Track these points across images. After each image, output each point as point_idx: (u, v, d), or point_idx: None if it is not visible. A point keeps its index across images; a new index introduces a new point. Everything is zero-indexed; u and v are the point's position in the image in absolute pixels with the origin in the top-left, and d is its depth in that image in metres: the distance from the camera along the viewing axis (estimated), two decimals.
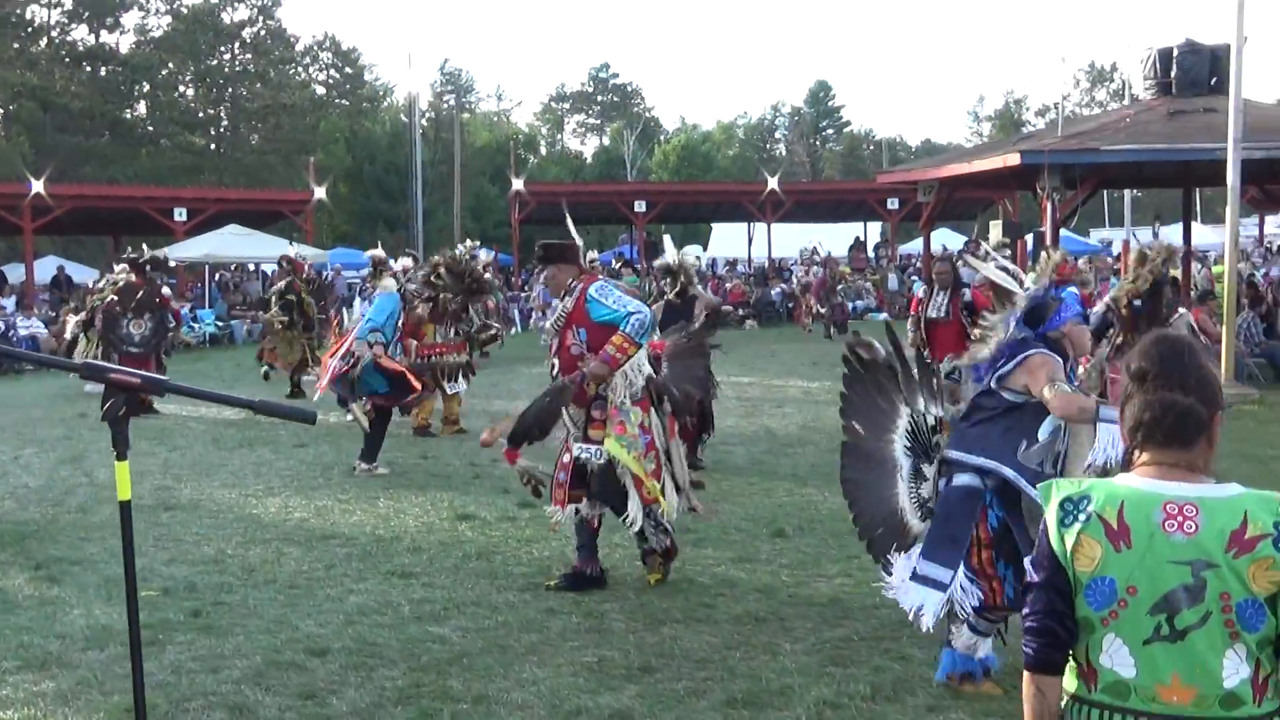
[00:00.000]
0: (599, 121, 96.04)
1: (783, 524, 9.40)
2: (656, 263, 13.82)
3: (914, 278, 33.38)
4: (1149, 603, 2.75)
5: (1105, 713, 2.81)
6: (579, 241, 7.98)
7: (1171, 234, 38.41)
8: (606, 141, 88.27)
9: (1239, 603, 2.71)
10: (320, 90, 75.71)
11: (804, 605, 7.28)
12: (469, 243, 15.34)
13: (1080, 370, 8.18)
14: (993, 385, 5.79)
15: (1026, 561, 2.99)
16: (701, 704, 5.75)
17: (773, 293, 36.84)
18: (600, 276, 8.27)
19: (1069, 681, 2.89)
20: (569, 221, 8.50)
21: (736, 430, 14.25)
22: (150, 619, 7.06)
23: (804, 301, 32.19)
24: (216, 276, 39.03)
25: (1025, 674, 2.90)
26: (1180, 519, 2.75)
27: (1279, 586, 2.71)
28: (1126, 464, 2.98)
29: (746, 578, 7.91)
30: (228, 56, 70.30)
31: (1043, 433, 5.68)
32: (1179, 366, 2.90)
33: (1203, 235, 34.42)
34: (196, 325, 32.13)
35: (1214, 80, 19.59)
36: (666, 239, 14.65)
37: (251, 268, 39.38)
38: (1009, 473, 5.67)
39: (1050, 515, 2.86)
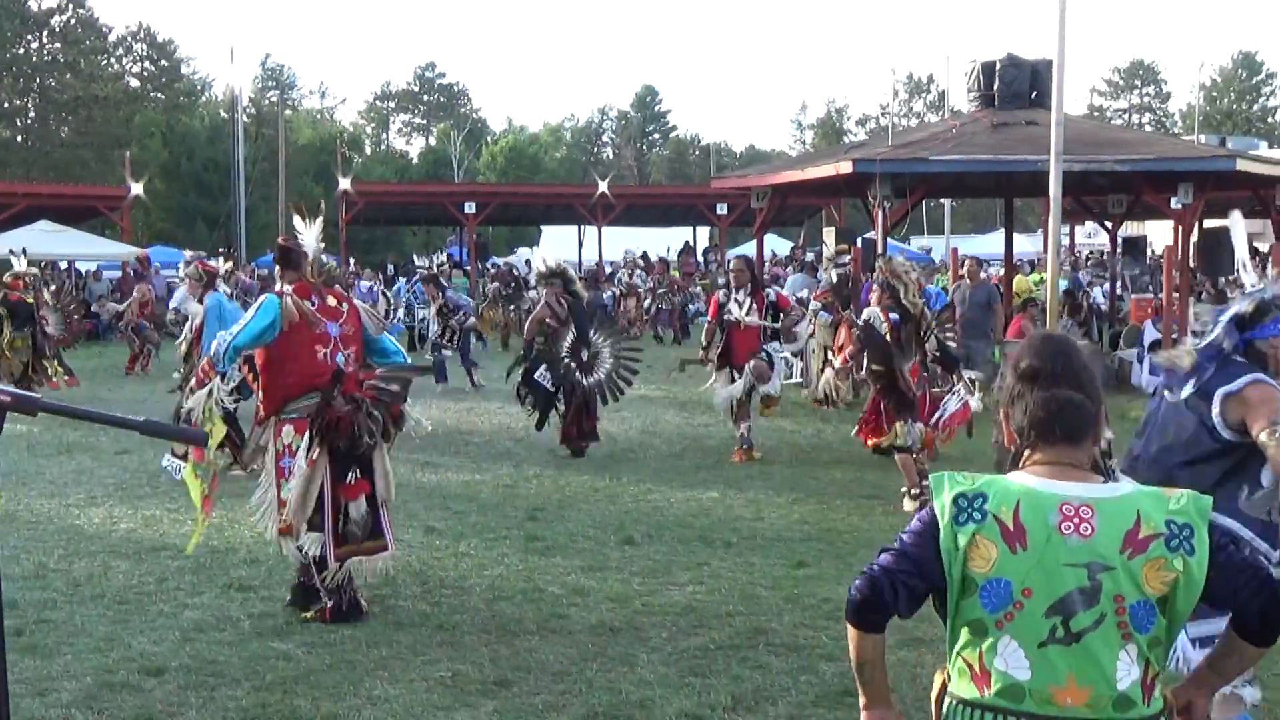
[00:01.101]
0: (425, 121, 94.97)
1: (630, 530, 9.32)
2: (541, 268, 13.46)
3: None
4: (1045, 605, 2.73)
5: (999, 716, 2.78)
6: (306, 248, 7.31)
7: (991, 242, 39.66)
8: (433, 142, 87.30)
9: (1132, 605, 2.72)
10: (134, 83, 73.19)
11: (658, 614, 7.21)
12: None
13: None
14: (1214, 421, 4.71)
15: (903, 531, 2.93)
16: (562, 718, 5.63)
17: (604, 296, 36.84)
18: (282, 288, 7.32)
19: (961, 688, 2.85)
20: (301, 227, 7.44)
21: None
22: None
23: (627, 305, 31.99)
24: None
25: (847, 622, 2.92)
26: (1076, 520, 2.74)
27: (1169, 587, 2.72)
28: (1014, 464, 2.95)
29: (598, 586, 7.80)
30: (35, 45, 67.47)
31: (1265, 478, 4.72)
32: (1069, 364, 2.90)
33: (1018, 244, 35.55)
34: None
35: (1034, 94, 20.20)
36: (537, 250, 15.12)
37: (64, 265, 37.71)
38: (1243, 531, 4.70)
39: (942, 509, 2.80)
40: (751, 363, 12.38)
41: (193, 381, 7.79)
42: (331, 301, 7.29)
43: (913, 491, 10.17)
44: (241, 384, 8.95)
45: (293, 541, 7.07)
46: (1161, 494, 2.81)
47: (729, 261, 13.49)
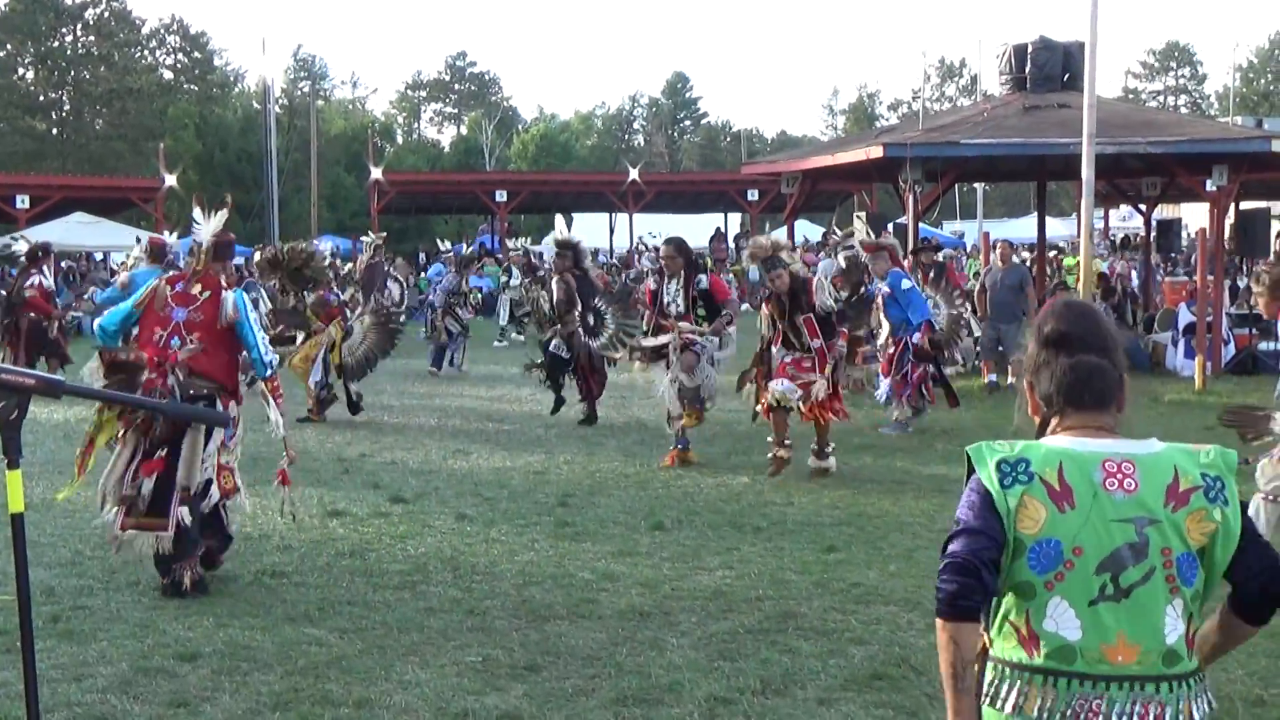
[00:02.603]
0: (456, 110, 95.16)
1: (661, 516, 9.34)
2: (558, 236, 14.97)
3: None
4: (1094, 563, 2.72)
5: (1050, 678, 2.76)
6: (198, 239, 7.85)
7: (1024, 227, 39.46)
8: (464, 130, 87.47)
9: (1179, 557, 2.73)
10: (168, 75, 73.63)
11: (688, 599, 7.22)
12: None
13: None
14: None
15: (956, 516, 2.89)
16: (591, 703, 5.65)
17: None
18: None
19: (1007, 651, 2.82)
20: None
21: (607, 422, 14.17)
22: (5, 625, 6.72)
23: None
24: (63, 266, 37.63)
25: (938, 623, 2.76)
26: (1120, 476, 2.74)
27: (1208, 538, 2.74)
28: (1040, 433, 2.95)
29: (628, 571, 7.82)
30: (69, 39, 67.96)
31: None
32: (1095, 330, 2.90)
33: (1051, 227, 35.38)
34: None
35: (1066, 76, 20.10)
36: (559, 219, 15.51)
37: (100, 257, 38.05)
38: None
39: (988, 477, 2.78)
40: (681, 354, 11.35)
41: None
42: (195, 289, 7.62)
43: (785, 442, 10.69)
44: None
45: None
46: (1188, 449, 2.83)
47: (659, 248, 11.98)
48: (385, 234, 18.99)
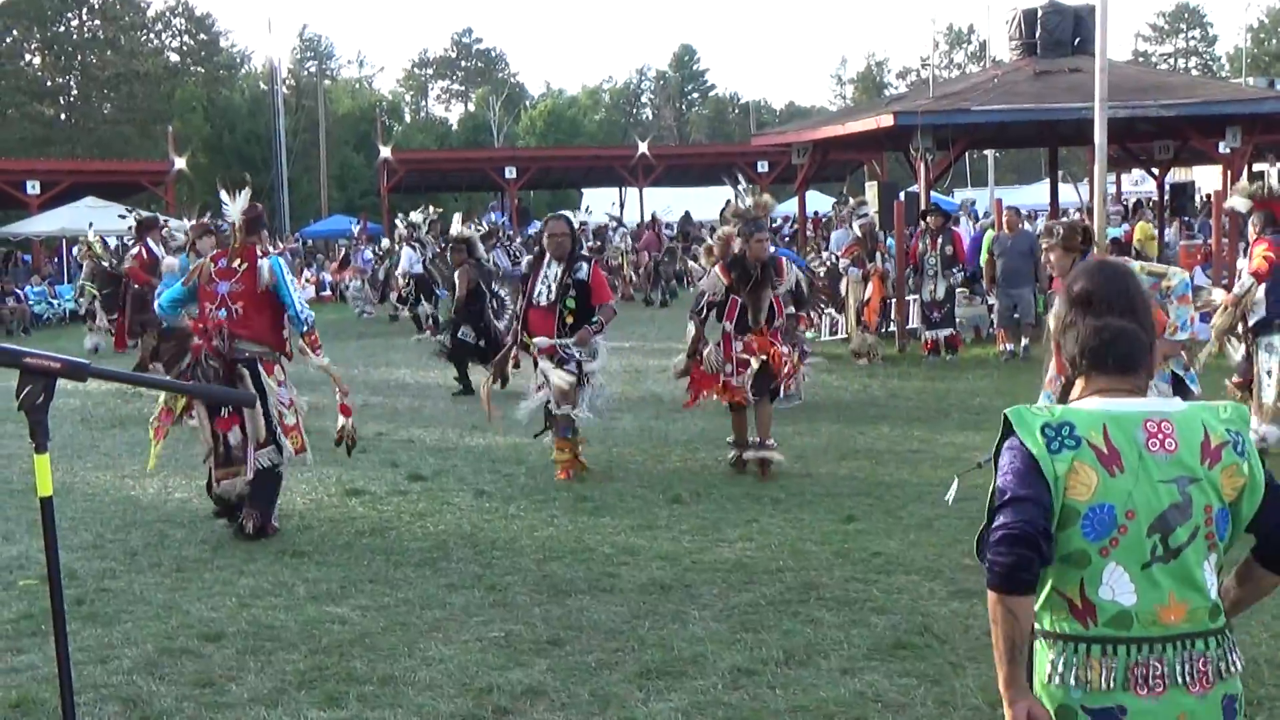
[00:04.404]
0: (463, 88, 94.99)
1: (679, 490, 9.34)
2: (454, 233, 16.09)
3: (785, 237, 33.47)
4: (1146, 525, 2.71)
5: (1108, 647, 2.73)
6: (229, 218, 8.75)
7: (1035, 193, 39.27)
8: (472, 108, 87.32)
9: (1217, 513, 2.73)
10: (174, 58, 73.51)
11: (708, 571, 7.23)
12: None
13: None
14: None
15: (998, 484, 2.83)
16: (614, 676, 5.66)
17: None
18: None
19: (1058, 624, 2.78)
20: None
21: (623, 397, 14.15)
22: (31, 609, 6.76)
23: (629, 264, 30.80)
24: (74, 250, 37.68)
25: (992, 596, 2.72)
26: (1160, 436, 2.73)
27: (1238, 492, 2.75)
28: (1064, 394, 2.92)
29: (648, 545, 7.83)
30: (75, 23, 67.85)
31: None
32: (1124, 292, 2.88)
33: (1062, 193, 35.18)
34: (55, 301, 31.10)
35: (1077, 40, 19.96)
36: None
37: (112, 241, 38.04)
38: None
39: (1034, 442, 2.73)
40: (553, 376, 9.61)
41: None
42: (235, 263, 8.43)
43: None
44: None
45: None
46: (1209, 405, 2.83)
47: (546, 224, 10.31)
48: (440, 209, 19.92)
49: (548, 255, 9.82)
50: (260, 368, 8.30)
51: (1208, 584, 2.75)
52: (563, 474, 9.77)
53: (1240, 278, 10.18)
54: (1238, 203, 10.65)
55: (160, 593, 7.10)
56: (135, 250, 16.26)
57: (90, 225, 23.30)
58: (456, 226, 16.07)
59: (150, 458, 8.73)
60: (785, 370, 9.89)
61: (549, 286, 9.63)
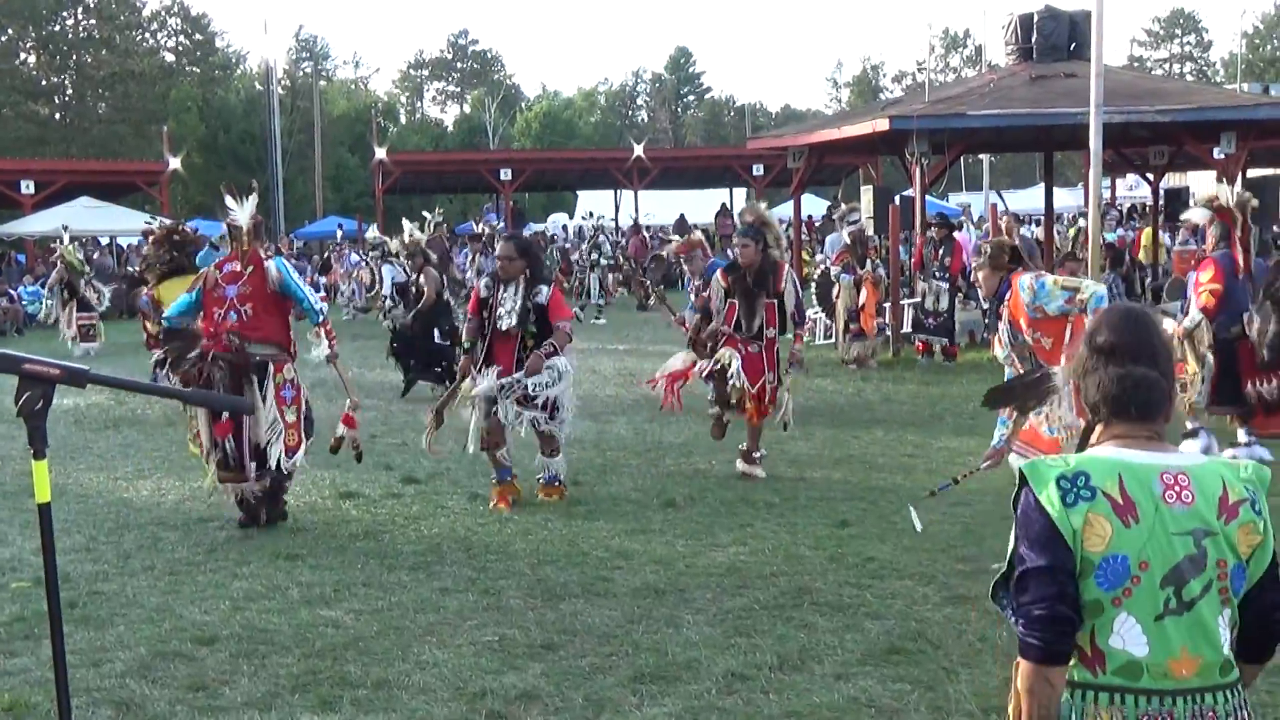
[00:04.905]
0: (459, 89, 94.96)
1: (673, 494, 9.35)
2: (409, 240, 16.02)
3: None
4: (1160, 576, 2.69)
5: (1116, 696, 2.73)
6: (239, 223, 8.76)
7: (1031, 197, 39.32)
8: (467, 109, 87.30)
9: (1232, 568, 2.72)
10: (169, 57, 73.39)
11: (702, 575, 7.23)
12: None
13: None
14: None
15: (1018, 550, 2.82)
16: (609, 680, 5.65)
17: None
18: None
19: (1070, 671, 2.77)
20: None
21: (617, 400, 14.18)
22: (24, 611, 6.75)
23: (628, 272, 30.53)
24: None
25: (1026, 666, 2.73)
26: (1178, 489, 2.72)
27: (1253, 550, 2.74)
28: (1084, 439, 2.93)
29: (642, 549, 7.83)
30: (70, 22, 67.75)
31: None
32: (1146, 340, 2.87)
33: (1057, 198, 35.23)
34: (49, 302, 30.99)
35: (1073, 45, 19.94)
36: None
37: (105, 241, 38.03)
38: None
39: (1049, 498, 2.72)
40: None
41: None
42: (238, 267, 8.67)
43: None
44: None
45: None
46: (1228, 463, 2.83)
47: (501, 245, 9.56)
48: (443, 214, 20.04)
49: (501, 279, 9.17)
50: (271, 368, 8.57)
51: (1222, 639, 2.74)
52: (500, 502, 9.09)
53: (1189, 309, 10.13)
54: (1196, 214, 10.62)
55: (153, 596, 7.09)
56: None
57: (65, 229, 23.50)
58: (408, 233, 16.10)
59: (206, 475, 8.87)
60: (762, 400, 9.97)
61: (510, 312, 9.02)
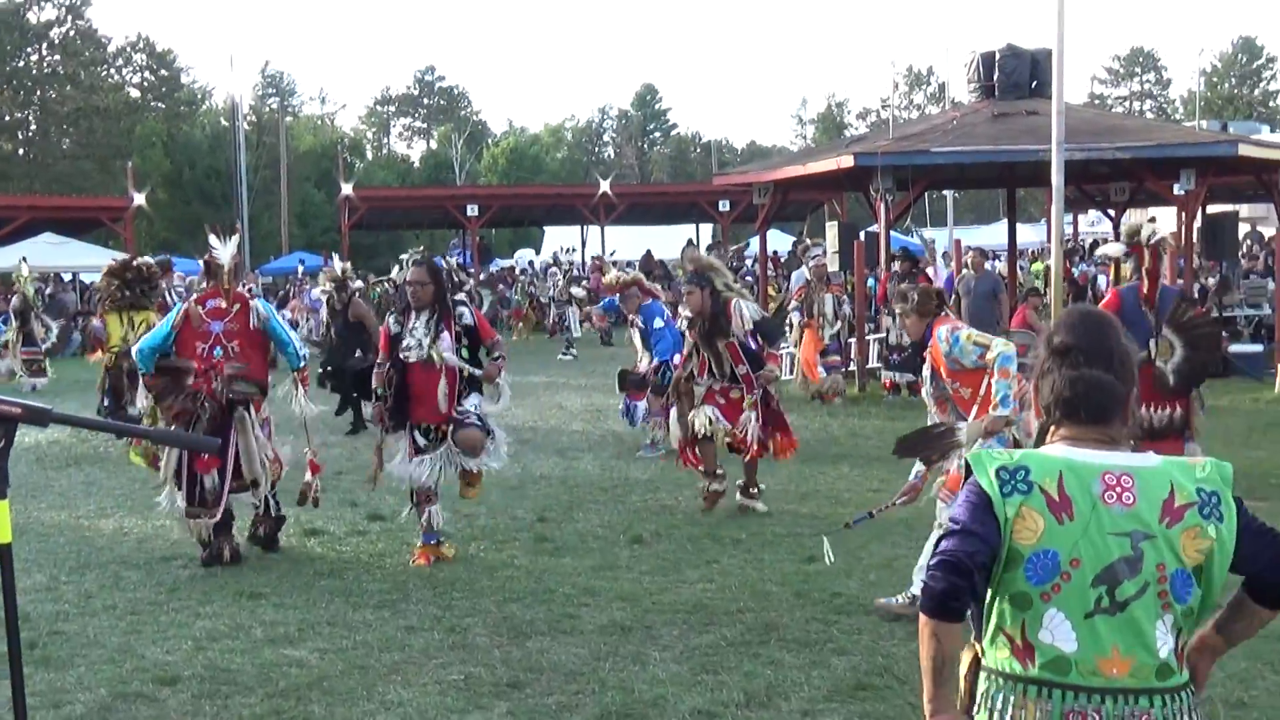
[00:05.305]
0: (425, 125, 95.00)
1: (639, 530, 9.33)
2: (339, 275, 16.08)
3: (748, 277, 33.59)
4: (1091, 575, 2.73)
5: (1044, 689, 2.76)
6: (221, 260, 8.90)
7: (994, 233, 39.61)
8: (434, 145, 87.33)
9: (1173, 574, 2.73)
10: (135, 93, 73.18)
11: (669, 612, 7.21)
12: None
13: None
14: None
15: (945, 517, 2.91)
16: (575, 718, 5.64)
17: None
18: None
19: (1000, 662, 2.83)
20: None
21: (584, 436, 14.16)
22: None
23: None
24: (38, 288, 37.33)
25: (922, 618, 2.81)
26: (1119, 489, 2.75)
27: (1205, 555, 2.74)
28: (1040, 439, 2.95)
29: (608, 586, 7.81)
30: (35, 58, 67.50)
31: None
32: (1102, 343, 2.90)
33: (1020, 233, 35.50)
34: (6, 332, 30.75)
35: (1034, 83, 20.17)
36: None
37: (68, 277, 37.77)
38: None
39: (988, 482, 2.78)
40: (454, 429, 8.50)
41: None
42: (223, 304, 8.76)
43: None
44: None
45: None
46: (1185, 463, 2.84)
47: (407, 273, 8.80)
48: (424, 248, 19.90)
49: (413, 308, 8.50)
50: (252, 405, 8.69)
51: (1158, 642, 2.75)
52: (421, 559, 8.49)
53: None
54: (1111, 248, 10.81)
55: (115, 636, 7.01)
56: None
57: (24, 260, 23.65)
58: (335, 268, 16.26)
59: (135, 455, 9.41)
60: (746, 435, 9.89)
61: (420, 342, 8.36)
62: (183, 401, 8.57)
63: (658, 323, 12.67)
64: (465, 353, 8.50)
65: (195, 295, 9.14)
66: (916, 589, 6.85)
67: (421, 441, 8.51)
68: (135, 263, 14.73)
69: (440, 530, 8.72)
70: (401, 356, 8.40)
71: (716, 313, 9.89)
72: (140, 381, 8.93)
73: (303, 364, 9.00)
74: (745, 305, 10.08)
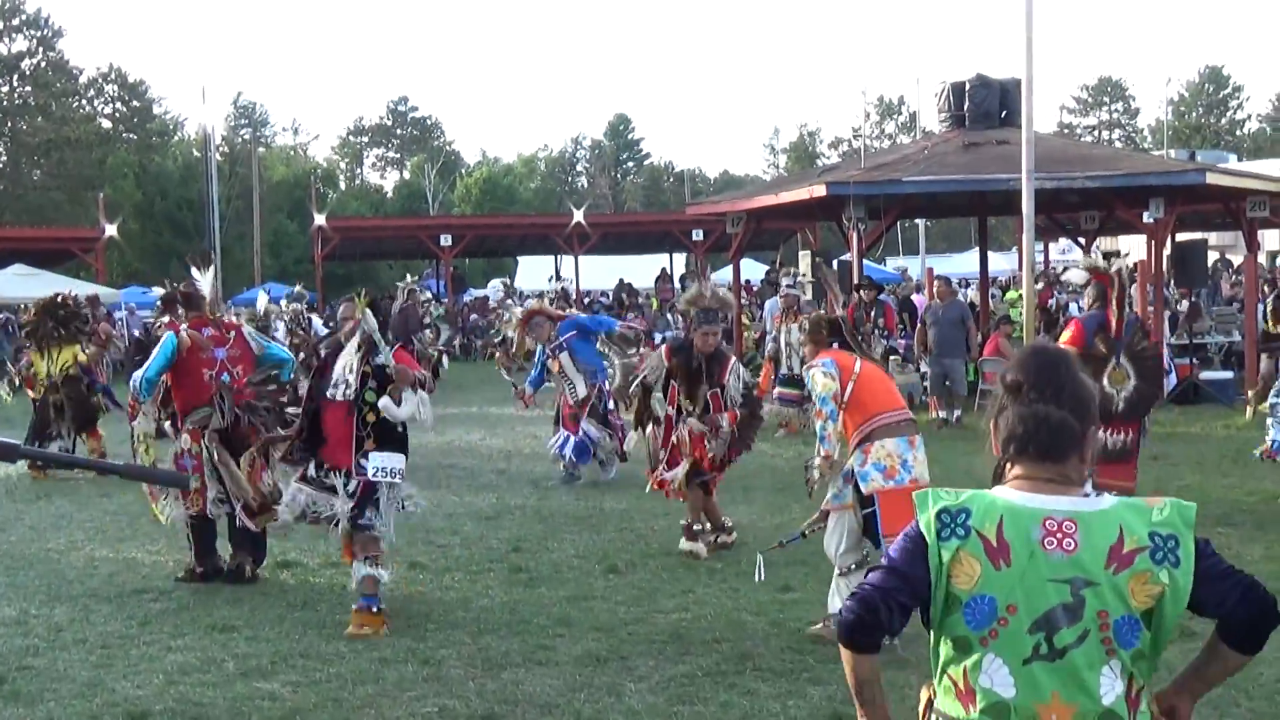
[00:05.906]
0: (399, 155, 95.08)
1: (614, 560, 9.31)
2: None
3: None
4: (1028, 621, 2.71)
5: None
6: (203, 290, 9.24)
7: (966, 261, 39.82)
8: (407, 175, 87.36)
9: (1117, 620, 2.69)
10: (106, 124, 73.00)
11: (644, 642, 7.19)
12: None
13: None
14: None
15: (889, 548, 2.92)
16: None
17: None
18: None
19: (947, 705, 2.83)
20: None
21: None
22: None
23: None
24: (1, 318, 37.08)
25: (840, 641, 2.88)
26: (1059, 535, 2.71)
27: (1155, 600, 2.69)
28: (997, 477, 2.94)
29: (583, 616, 7.79)
30: (6, 89, 67.28)
31: None
32: (1053, 379, 2.87)
33: (992, 261, 35.71)
34: None
35: (1004, 113, 20.35)
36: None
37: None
38: None
39: (928, 525, 2.78)
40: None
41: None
42: (221, 331, 9.10)
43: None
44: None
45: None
46: (1144, 505, 2.77)
47: (342, 306, 7.99)
48: (417, 277, 20.00)
49: (344, 338, 7.92)
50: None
51: (1100, 689, 2.72)
52: (355, 629, 7.54)
53: None
54: (1074, 275, 10.91)
55: (85, 670, 6.94)
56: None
57: None
58: (261, 304, 15.83)
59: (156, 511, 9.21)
60: (713, 463, 9.62)
61: (343, 378, 7.66)
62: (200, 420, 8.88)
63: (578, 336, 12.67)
64: (373, 396, 7.56)
65: (185, 324, 9.08)
66: (833, 609, 7.05)
67: (313, 473, 7.75)
68: (65, 297, 14.81)
69: (367, 593, 7.60)
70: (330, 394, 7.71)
71: (714, 359, 9.51)
72: (141, 409, 8.97)
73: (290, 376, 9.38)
74: (742, 370, 9.87)
